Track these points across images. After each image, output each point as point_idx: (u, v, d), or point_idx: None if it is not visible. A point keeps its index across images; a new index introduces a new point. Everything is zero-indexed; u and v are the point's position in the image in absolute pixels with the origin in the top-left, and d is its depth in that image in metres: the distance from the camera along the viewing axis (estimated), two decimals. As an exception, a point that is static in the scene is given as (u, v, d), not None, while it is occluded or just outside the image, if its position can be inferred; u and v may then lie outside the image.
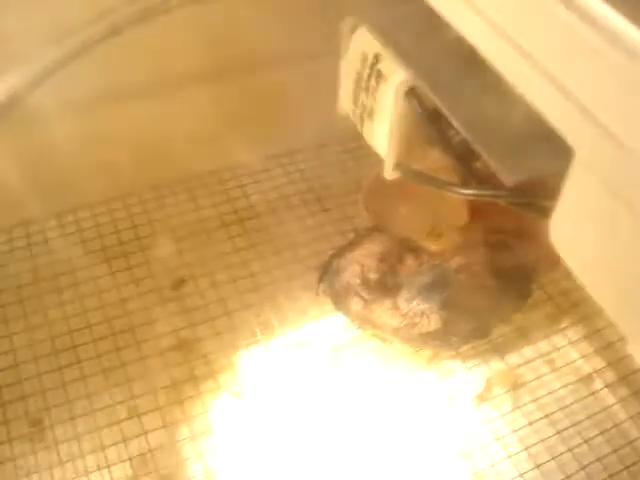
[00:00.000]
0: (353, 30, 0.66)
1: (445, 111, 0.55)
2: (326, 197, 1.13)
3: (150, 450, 0.84)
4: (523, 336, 0.97)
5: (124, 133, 1.00)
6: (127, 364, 0.91)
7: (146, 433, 0.85)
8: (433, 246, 0.84)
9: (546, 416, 0.90)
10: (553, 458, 0.85)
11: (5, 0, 0.79)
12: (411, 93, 0.59)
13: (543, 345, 0.97)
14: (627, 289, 0.42)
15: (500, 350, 0.96)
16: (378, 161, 0.69)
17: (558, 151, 0.43)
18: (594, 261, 0.45)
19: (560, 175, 0.44)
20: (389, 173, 0.66)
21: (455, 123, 0.53)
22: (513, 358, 0.95)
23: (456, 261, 0.83)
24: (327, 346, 0.95)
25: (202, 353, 0.94)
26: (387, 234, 0.88)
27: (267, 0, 0.91)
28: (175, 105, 1.00)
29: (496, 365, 0.94)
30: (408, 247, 0.85)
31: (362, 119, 0.67)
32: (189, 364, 0.92)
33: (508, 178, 0.45)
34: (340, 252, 0.94)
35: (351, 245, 0.93)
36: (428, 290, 0.84)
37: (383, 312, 0.87)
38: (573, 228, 0.46)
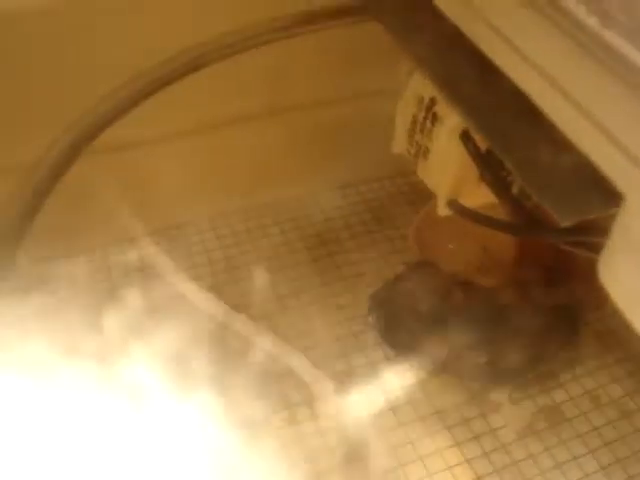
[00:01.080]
0: (410, 74, 0.69)
1: (498, 153, 0.57)
2: (376, 230, 1.16)
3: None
4: (569, 372, 0.98)
5: (208, 162, 1.06)
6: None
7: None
8: (482, 281, 0.86)
9: (590, 451, 0.90)
10: (598, 493, 0.86)
11: (99, 36, 0.85)
12: (465, 135, 0.62)
13: (588, 381, 0.98)
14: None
15: (546, 385, 0.97)
16: (428, 197, 0.72)
17: (610, 193, 0.45)
18: (643, 299, 0.47)
19: (611, 216, 0.46)
20: (442, 210, 0.69)
21: (508, 165, 0.56)
22: (559, 393, 0.96)
23: (504, 296, 0.85)
24: (374, 377, 0.97)
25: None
26: (436, 268, 0.90)
27: (327, 46, 0.95)
28: (250, 136, 1.07)
29: (542, 400, 0.95)
30: (457, 281, 0.87)
31: (417, 158, 0.70)
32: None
33: (563, 220, 0.47)
34: (389, 284, 0.97)
35: (400, 278, 0.95)
36: (476, 324, 0.86)
37: (431, 345, 0.89)
38: (622, 268, 0.47)
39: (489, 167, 0.62)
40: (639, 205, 0.43)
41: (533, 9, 0.48)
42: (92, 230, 1.03)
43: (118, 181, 0.92)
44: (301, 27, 0.66)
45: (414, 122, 0.68)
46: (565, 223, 0.48)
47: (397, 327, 0.94)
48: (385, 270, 1.07)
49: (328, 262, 1.11)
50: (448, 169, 0.65)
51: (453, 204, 0.69)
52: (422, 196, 0.77)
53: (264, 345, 0.98)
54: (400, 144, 0.73)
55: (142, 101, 0.61)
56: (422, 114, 0.66)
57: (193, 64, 0.61)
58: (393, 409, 0.93)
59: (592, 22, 0.42)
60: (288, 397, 0.94)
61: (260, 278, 1.06)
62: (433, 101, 0.65)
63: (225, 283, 1.07)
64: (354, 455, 0.89)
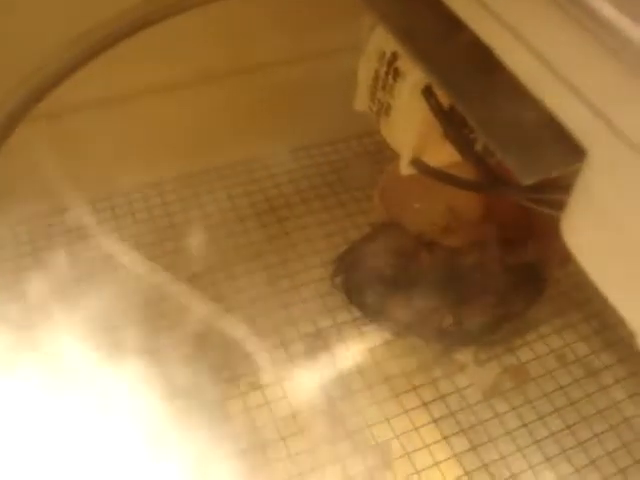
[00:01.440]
0: (372, 28, 0.67)
1: (461, 109, 0.56)
2: (342, 191, 1.15)
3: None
4: (535, 331, 0.98)
5: (155, 126, 1.03)
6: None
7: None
8: (447, 241, 0.85)
9: (556, 410, 0.91)
10: (563, 451, 0.87)
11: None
12: (427, 91, 0.61)
13: (554, 340, 0.98)
14: (636, 285, 0.43)
15: (512, 344, 0.97)
16: (394, 156, 0.71)
17: (572, 150, 0.44)
18: (604, 257, 0.46)
19: (574, 173, 0.45)
20: (405, 169, 0.68)
21: (471, 122, 0.54)
22: (524, 353, 0.96)
23: (470, 257, 0.84)
24: (340, 339, 0.96)
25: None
26: (402, 229, 0.89)
27: (285, 2, 0.93)
28: (202, 98, 1.03)
29: (507, 359, 0.96)
30: (423, 242, 0.86)
31: (379, 115, 0.69)
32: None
33: (525, 178, 0.46)
34: (355, 246, 0.96)
35: (366, 239, 0.94)
36: (442, 285, 0.85)
37: (397, 306, 0.88)
38: (584, 225, 0.47)
39: (452, 124, 0.60)
40: (601, 161, 0.42)
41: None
42: (31, 197, 1.00)
43: (58, 148, 0.89)
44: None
45: (376, 78, 0.66)
46: (527, 182, 0.46)
47: (363, 289, 0.93)
48: (352, 231, 1.07)
49: (294, 224, 1.10)
50: (410, 126, 0.64)
51: (417, 163, 0.67)
52: (388, 156, 0.75)
53: (214, 310, 0.96)
54: (362, 101, 0.71)
55: (86, 62, 0.58)
56: (384, 69, 0.64)
57: (138, 23, 0.59)
58: (360, 371, 0.93)
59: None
60: (250, 361, 0.93)
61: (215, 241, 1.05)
62: (395, 56, 0.63)
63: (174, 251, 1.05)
64: (319, 417, 0.88)
